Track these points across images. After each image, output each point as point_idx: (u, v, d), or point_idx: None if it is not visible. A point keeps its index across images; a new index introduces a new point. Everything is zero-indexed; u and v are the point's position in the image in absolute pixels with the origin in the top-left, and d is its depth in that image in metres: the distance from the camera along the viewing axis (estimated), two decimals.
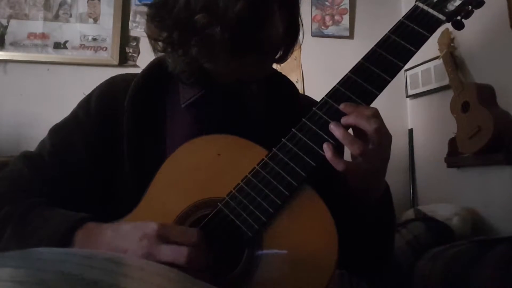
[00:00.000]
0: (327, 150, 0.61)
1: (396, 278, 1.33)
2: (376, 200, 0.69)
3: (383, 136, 0.62)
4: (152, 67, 0.79)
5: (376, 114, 0.62)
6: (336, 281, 0.60)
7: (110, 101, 0.76)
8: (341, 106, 0.63)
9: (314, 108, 0.65)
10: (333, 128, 0.62)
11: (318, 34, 2.28)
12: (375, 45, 0.68)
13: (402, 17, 0.69)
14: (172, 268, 0.46)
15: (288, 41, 0.72)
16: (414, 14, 0.69)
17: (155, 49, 0.71)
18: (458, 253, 1.20)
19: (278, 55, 0.73)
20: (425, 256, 1.31)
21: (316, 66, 2.20)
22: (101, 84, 0.81)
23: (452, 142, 1.74)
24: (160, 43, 0.69)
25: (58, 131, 0.76)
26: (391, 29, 0.69)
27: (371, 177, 0.66)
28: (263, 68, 0.73)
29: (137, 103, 0.74)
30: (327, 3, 2.32)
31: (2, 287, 0.35)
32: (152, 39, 0.70)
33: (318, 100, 0.67)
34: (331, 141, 0.62)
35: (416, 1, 0.71)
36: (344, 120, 0.62)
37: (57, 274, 0.38)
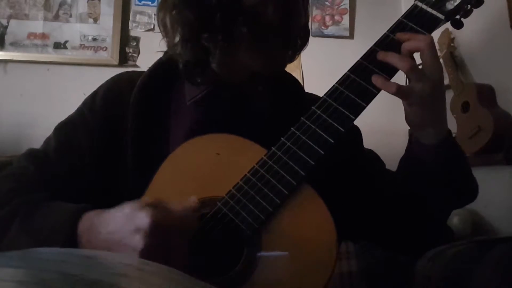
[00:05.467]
0: (376, 79, 0.63)
1: (396, 278, 1.33)
2: (439, 142, 0.69)
3: (434, 52, 0.64)
4: (158, 66, 0.79)
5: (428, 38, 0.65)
6: (336, 281, 0.60)
7: (116, 99, 0.76)
8: (397, 35, 0.67)
9: (313, 107, 0.65)
10: (381, 55, 0.65)
11: (318, 34, 2.28)
12: (374, 44, 0.68)
13: (401, 16, 0.69)
14: (172, 268, 0.46)
15: (304, 35, 0.75)
16: (413, 13, 0.69)
17: (178, 39, 0.68)
18: (458, 253, 1.20)
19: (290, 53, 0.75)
20: (425, 256, 1.30)
21: (316, 66, 2.20)
22: (106, 82, 0.81)
23: None
24: (187, 30, 0.67)
25: (63, 128, 0.77)
26: (390, 28, 0.69)
27: (427, 103, 0.66)
28: (280, 61, 0.75)
29: (142, 102, 0.75)
30: (327, 3, 2.32)
31: (2, 287, 0.35)
32: (182, 26, 0.67)
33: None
34: (330, 140, 0.62)
35: (415, 0, 0.70)
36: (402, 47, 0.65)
37: (57, 274, 0.38)
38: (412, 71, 0.63)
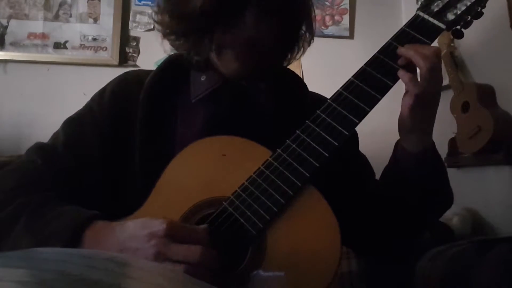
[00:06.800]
0: (404, 75, 0.67)
1: (396, 278, 1.33)
2: (424, 150, 0.72)
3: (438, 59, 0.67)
4: (167, 65, 0.80)
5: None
6: (336, 281, 0.60)
7: (124, 96, 0.77)
8: (405, 46, 0.69)
9: (317, 111, 0.67)
10: (403, 51, 0.68)
11: (318, 34, 2.26)
12: (378, 52, 0.70)
13: (403, 25, 0.72)
14: (172, 268, 0.46)
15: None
16: (415, 23, 0.71)
17: (182, 32, 0.72)
18: (458, 253, 1.20)
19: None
20: (425, 256, 1.31)
21: (316, 66, 2.20)
22: (114, 79, 0.82)
23: (452, 142, 1.74)
24: (196, 22, 0.69)
25: (71, 123, 0.77)
26: (393, 36, 0.71)
27: (429, 104, 0.70)
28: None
29: (150, 101, 0.75)
30: (327, 3, 2.32)
31: (2, 287, 0.35)
32: (193, 15, 0.70)
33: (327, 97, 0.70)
34: (335, 142, 0.63)
35: (417, 10, 0.73)
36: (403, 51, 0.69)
37: (57, 274, 0.38)
38: (433, 72, 0.66)
